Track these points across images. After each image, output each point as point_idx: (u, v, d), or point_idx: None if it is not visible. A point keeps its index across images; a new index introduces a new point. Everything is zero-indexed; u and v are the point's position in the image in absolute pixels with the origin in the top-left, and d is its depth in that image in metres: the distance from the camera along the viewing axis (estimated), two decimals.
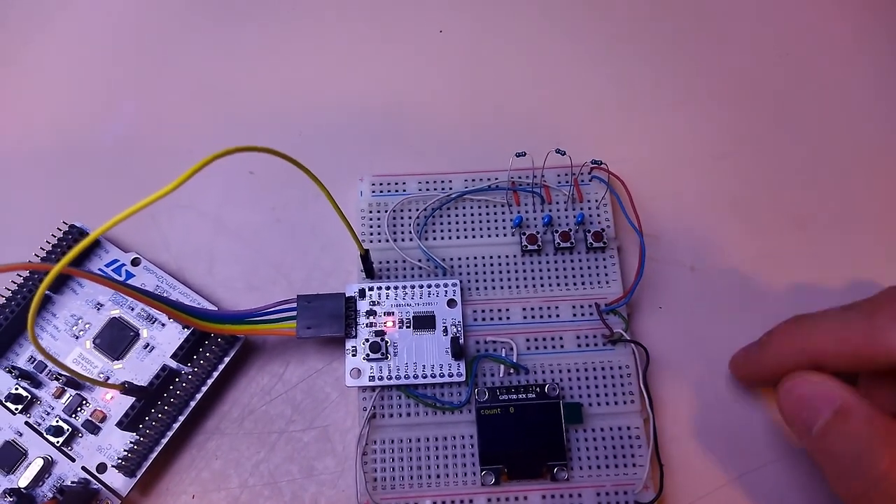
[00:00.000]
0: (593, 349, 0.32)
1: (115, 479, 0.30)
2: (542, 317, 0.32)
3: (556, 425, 0.30)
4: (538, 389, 0.31)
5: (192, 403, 0.31)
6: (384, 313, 0.32)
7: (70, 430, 0.30)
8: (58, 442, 0.30)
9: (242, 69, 0.39)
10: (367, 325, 0.31)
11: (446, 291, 0.32)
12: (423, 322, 0.31)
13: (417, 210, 0.34)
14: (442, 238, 0.34)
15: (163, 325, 0.32)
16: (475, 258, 0.33)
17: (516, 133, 0.37)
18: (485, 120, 0.38)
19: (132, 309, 0.32)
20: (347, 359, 0.31)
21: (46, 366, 0.32)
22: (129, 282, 0.33)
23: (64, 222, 0.33)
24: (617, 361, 0.32)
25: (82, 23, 0.40)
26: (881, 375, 0.26)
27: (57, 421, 0.31)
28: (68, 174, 0.37)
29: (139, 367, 0.32)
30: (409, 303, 0.32)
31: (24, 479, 0.30)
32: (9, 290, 0.32)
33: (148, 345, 0.32)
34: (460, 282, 0.32)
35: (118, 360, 0.32)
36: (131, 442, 0.30)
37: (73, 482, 0.30)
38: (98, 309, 0.32)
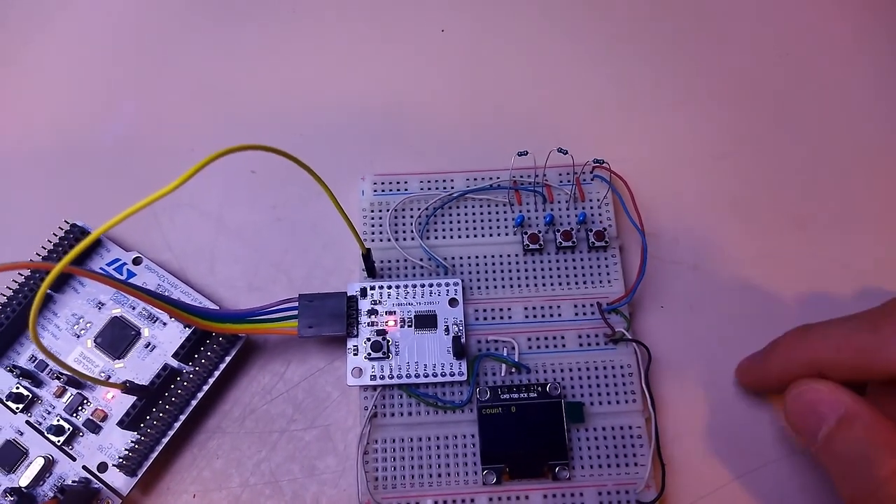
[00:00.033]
0: (595, 348, 0.32)
1: (116, 479, 0.30)
2: (543, 316, 0.32)
3: (557, 425, 0.30)
4: (540, 389, 0.31)
5: (194, 402, 0.31)
6: (386, 312, 0.32)
7: (71, 429, 0.30)
8: (59, 441, 0.30)
9: (242, 69, 0.39)
10: (368, 324, 0.31)
11: (448, 290, 0.32)
12: (425, 321, 0.31)
13: (419, 209, 0.34)
14: (443, 237, 0.34)
15: (164, 324, 0.32)
16: (477, 257, 0.33)
17: (517, 133, 0.37)
18: (485, 120, 0.38)
19: (133, 308, 0.32)
20: (349, 358, 0.31)
21: (47, 365, 0.31)
22: (131, 281, 0.33)
23: (66, 221, 0.33)
24: (619, 361, 0.32)
25: (82, 23, 0.40)
26: (889, 384, 0.27)
27: (58, 420, 0.31)
28: (68, 174, 0.37)
29: (140, 367, 0.31)
30: (411, 302, 0.32)
31: (24, 478, 0.30)
32: (10, 289, 0.32)
33: (149, 344, 0.32)
34: (462, 281, 0.32)
35: (119, 359, 0.32)
36: (132, 441, 0.29)
37: (73, 481, 0.30)
38: (99, 308, 0.32)
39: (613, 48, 0.40)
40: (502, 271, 0.33)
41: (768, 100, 0.38)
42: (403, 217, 0.34)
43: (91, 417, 0.31)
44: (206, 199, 0.36)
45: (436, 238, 0.34)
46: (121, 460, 0.29)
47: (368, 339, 0.31)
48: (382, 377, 0.31)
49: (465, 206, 0.34)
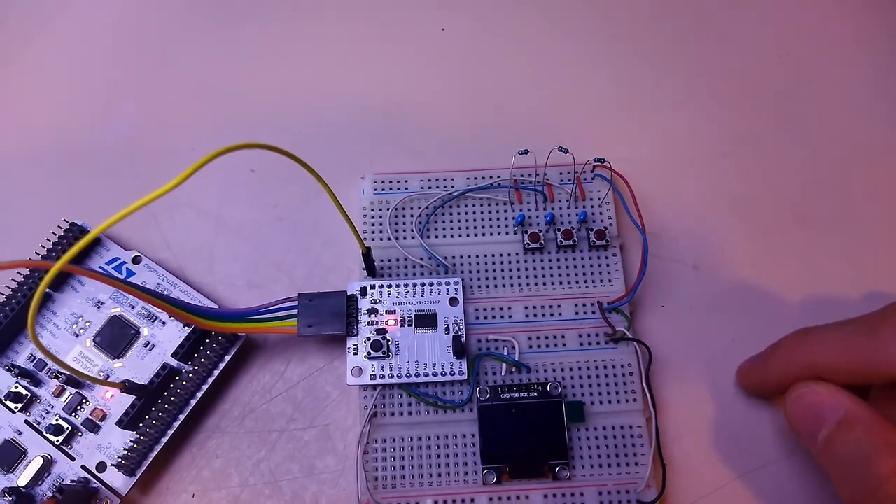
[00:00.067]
0: (595, 348, 0.32)
1: (115, 478, 0.30)
2: (544, 315, 0.32)
3: (557, 424, 0.30)
4: (540, 388, 0.31)
5: (193, 402, 0.31)
6: (386, 311, 0.32)
7: (70, 428, 0.30)
8: (57, 441, 0.30)
9: (242, 69, 0.39)
10: (368, 323, 0.31)
11: (448, 290, 0.32)
12: (425, 320, 0.31)
13: (419, 208, 0.34)
14: (444, 236, 0.34)
15: (163, 323, 0.32)
16: (477, 256, 0.33)
17: (517, 133, 0.37)
18: (485, 120, 0.38)
19: (133, 307, 0.32)
20: (349, 357, 0.31)
21: (46, 364, 0.31)
22: (130, 280, 0.33)
23: (65, 220, 0.33)
24: (619, 360, 0.32)
25: (82, 23, 0.40)
26: (891, 388, 0.27)
27: (57, 419, 0.30)
28: (68, 174, 0.37)
29: (139, 366, 0.31)
30: (411, 301, 0.32)
31: (23, 477, 0.30)
32: (9, 287, 0.32)
33: (148, 343, 0.32)
34: (462, 280, 0.32)
35: (118, 358, 0.32)
36: (131, 441, 0.29)
37: (72, 481, 0.30)
38: (98, 307, 0.32)
39: (613, 48, 0.40)
40: (503, 270, 0.33)
41: (768, 100, 0.38)
42: (404, 216, 0.34)
43: (90, 417, 0.31)
44: (205, 198, 0.36)
45: (436, 237, 0.34)
46: (120, 460, 0.29)
47: (368, 339, 0.31)
48: (382, 376, 0.31)
49: (466, 205, 0.34)
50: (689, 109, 0.38)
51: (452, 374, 0.31)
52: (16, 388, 0.31)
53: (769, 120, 0.38)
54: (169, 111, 0.38)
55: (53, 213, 0.34)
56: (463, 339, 0.31)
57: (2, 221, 0.36)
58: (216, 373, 0.31)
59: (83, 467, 0.30)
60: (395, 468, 0.30)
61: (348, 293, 0.32)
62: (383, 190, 0.34)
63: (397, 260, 0.33)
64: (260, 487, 0.31)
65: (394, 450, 0.30)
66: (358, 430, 0.31)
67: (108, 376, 0.31)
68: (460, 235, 0.34)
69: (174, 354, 0.31)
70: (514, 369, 0.31)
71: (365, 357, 0.31)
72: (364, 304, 0.32)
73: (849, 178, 0.36)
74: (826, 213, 0.36)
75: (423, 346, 0.31)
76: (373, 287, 0.32)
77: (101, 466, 0.30)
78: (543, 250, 0.33)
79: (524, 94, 0.38)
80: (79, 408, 0.31)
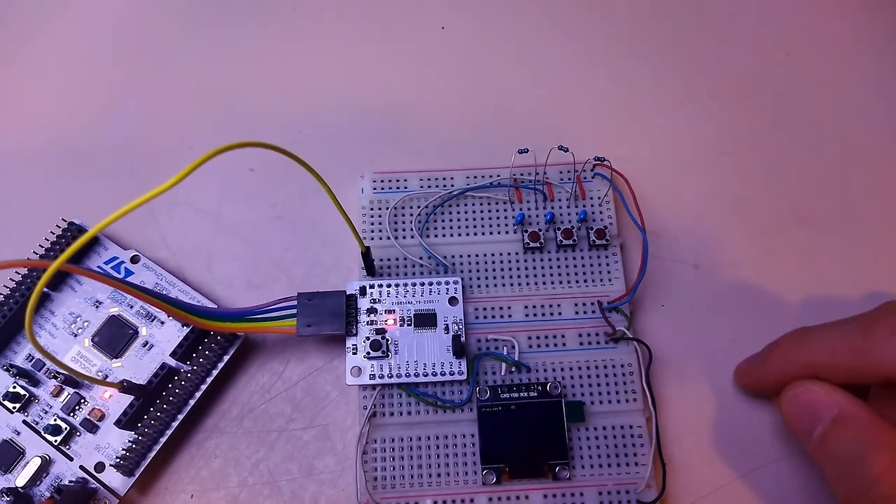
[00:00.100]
0: (595, 347, 0.32)
1: (114, 479, 0.30)
2: (544, 314, 0.32)
3: (557, 424, 0.30)
4: (540, 388, 0.31)
5: (192, 402, 0.31)
6: (385, 311, 0.31)
7: (68, 428, 0.30)
8: (56, 441, 0.30)
9: (242, 69, 0.39)
10: (367, 322, 0.31)
11: (447, 289, 0.32)
12: (425, 320, 0.31)
13: (419, 207, 0.34)
14: (443, 235, 0.34)
15: (162, 322, 0.32)
16: (477, 255, 0.33)
17: (517, 133, 0.37)
18: (485, 119, 0.38)
19: (131, 307, 0.32)
20: (348, 357, 0.31)
21: (44, 364, 0.31)
22: (129, 279, 0.32)
23: (63, 219, 0.33)
24: (619, 360, 0.31)
25: (82, 23, 0.40)
26: (890, 387, 0.27)
27: (55, 419, 0.30)
28: (68, 174, 0.37)
29: (138, 366, 0.31)
30: (411, 300, 0.32)
31: (21, 478, 0.29)
32: (7, 287, 0.32)
33: (147, 343, 0.32)
34: (462, 279, 0.32)
35: (117, 358, 0.31)
36: (130, 441, 0.29)
37: (70, 481, 0.30)
38: (97, 307, 0.32)
39: (613, 48, 0.40)
40: (502, 270, 0.33)
41: (768, 100, 0.38)
42: (403, 215, 0.34)
43: (88, 417, 0.30)
44: (204, 197, 0.36)
45: (435, 236, 0.34)
46: (118, 460, 0.29)
47: (367, 338, 0.31)
48: (382, 376, 0.30)
49: (466, 204, 0.34)
50: (689, 109, 0.38)
51: (452, 373, 0.31)
52: (14, 387, 0.31)
53: (769, 120, 0.38)
54: (169, 111, 0.38)
55: (53, 212, 0.34)
56: (462, 339, 0.31)
57: (1, 221, 0.36)
58: (215, 373, 0.31)
59: (81, 467, 0.30)
60: (394, 468, 0.30)
61: (347, 293, 0.31)
62: (383, 189, 0.34)
63: (396, 259, 0.33)
64: (259, 487, 0.31)
65: (393, 450, 0.30)
66: (357, 429, 0.31)
67: (107, 376, 0.31)
68: (460, 235, 0.34)
69: (173, 354, 0.31)
70: (513, 369, 0.31)
71: (364, 357, 0.31)
72: (363, 303, 0.32)
73: (849, 178, 0.36)
74: (826, 213, 0.36)
75: (422, 346, 0.31)
76: (372, 286, 0.32)
77: (100, 466, 0.30)
78: (543, 249, 0.33)
79: (524, 94, 0.38)
80: (77, 408, 0.31)
